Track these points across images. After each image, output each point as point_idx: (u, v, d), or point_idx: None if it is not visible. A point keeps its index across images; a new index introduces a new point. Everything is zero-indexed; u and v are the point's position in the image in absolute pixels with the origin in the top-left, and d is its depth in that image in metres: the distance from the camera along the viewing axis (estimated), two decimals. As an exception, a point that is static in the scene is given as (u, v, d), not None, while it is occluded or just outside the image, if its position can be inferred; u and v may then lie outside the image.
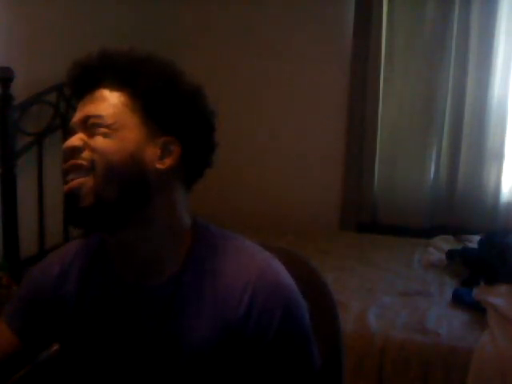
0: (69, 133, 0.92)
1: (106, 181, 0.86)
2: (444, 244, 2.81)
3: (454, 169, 3.06)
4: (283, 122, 3.29)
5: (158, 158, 0.89)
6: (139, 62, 0.91)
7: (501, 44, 2.91)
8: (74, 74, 0.92)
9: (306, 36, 3.19)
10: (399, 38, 3.06)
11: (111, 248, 0.96)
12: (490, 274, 2.31)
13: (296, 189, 3.29)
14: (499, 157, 2.99)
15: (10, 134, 2.08)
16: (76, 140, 0.88)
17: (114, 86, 0.89)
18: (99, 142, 0.87)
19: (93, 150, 0.87)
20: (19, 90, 2.08)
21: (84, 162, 0.86)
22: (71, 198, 0.87)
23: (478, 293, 2.17)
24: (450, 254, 2.58)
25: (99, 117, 0.87)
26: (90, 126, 0.88)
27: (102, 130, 0.87)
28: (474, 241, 2.73)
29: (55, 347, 1.06)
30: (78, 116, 0.90)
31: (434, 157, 3.06)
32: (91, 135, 0.88)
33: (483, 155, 3.00)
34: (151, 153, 0.89)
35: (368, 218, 3.19)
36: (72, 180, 0.87)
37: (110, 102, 0.89)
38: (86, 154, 0.87)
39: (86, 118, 0.89)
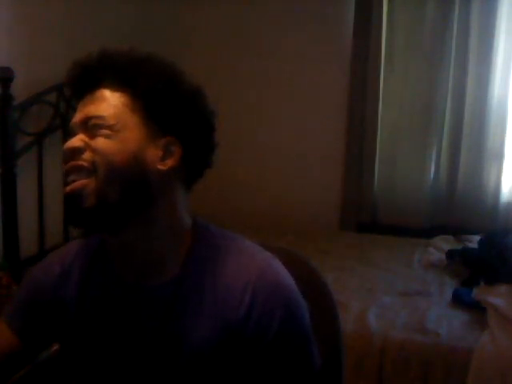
0: (69, 133, 0.92)
1: (107, 182, 0.86)
2: (444, 244, 2.81)
3: (454, 169, 3.05)
4: (283, 122, 3.29)
5: (160, 159, 0.89)
6: (139, 62, 0.91)
7: (501, 44, 2.91)
8: (74, 74, 0.92)
9: (305, 36, 3.18)
10: (399, 38, 3.05)
11: (111, 248, 0.96)
12: (489, 274, 2.31)
13: (296, 189, 3.29)
14: (499, 157, 2.99)
15: (10, 134, 2.08)
16: (77, 141, 0.88)
17: (114, 86, 0.89)
18: (100, 143, 0.87)
19: (94, 151, 0.86)
20: (19, 90, 2.08)
21: (85, 164, 0.86)
22: (73, 199, 0.86)
23: (478, 293, 2.17)
24: (450, 254, 2.58)
25: (101, 117, 0.87)
26: (91, 126, 0.88)
27: (104, 131, 0.87)
28: (473, 241, 2.73)
29: (55, 347, 1.06)
30: (78, 116, 0.90)
31: (434, 157, 3.06)
32: (92, 136, 0.87)
33: (483, 155, 3.00)
34: (152, 154, 0.89)
35: (368, 218, 3.19)
36: (73, 181, 0.86)
37: (110, 102, 0.88)
38: (86, 155, 0.87)
39: (87, 119, 0.88)
